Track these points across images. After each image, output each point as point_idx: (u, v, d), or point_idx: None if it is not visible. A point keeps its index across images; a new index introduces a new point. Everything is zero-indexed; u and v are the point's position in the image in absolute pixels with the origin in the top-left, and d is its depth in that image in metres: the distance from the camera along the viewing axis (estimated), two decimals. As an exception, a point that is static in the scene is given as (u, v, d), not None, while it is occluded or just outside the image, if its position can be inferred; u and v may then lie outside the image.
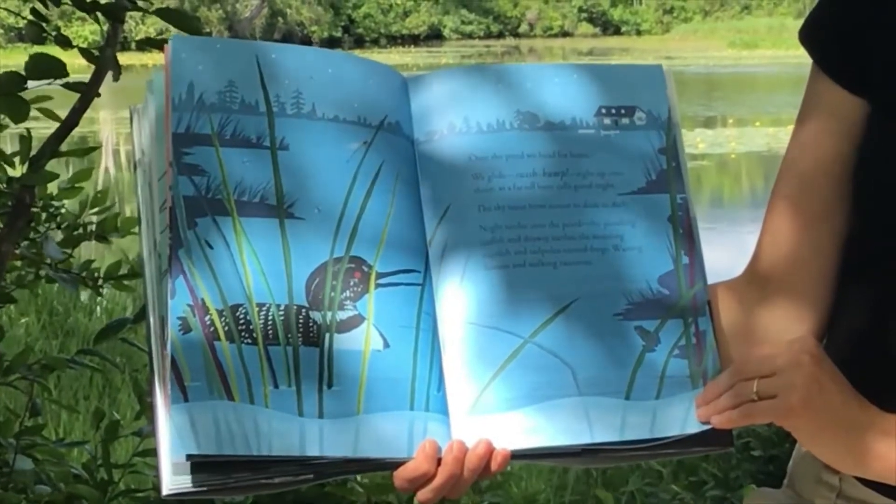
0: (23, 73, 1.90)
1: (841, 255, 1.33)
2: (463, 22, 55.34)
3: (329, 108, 1.24)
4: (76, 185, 2.42)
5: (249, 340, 1.16)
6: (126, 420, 2.72)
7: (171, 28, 1.92)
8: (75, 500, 2.35)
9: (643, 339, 1.25)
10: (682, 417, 1.24)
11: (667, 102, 1.33)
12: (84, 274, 2.44)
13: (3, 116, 2.00)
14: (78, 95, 1.98)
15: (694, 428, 1.24)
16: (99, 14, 1.96)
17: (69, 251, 2.44)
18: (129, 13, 1.99)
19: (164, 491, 1.13)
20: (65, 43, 1.98)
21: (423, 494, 1.18)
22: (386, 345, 1.20)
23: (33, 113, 1.95)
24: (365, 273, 1.21)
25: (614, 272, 1.26)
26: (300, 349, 1.17)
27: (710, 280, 1.30)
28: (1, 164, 2.13)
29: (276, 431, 1.14)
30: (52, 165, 2.06)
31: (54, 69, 1.89)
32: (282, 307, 1.18)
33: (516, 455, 1.21)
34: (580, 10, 58.46)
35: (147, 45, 1.91)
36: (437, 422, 1.20)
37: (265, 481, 1.15)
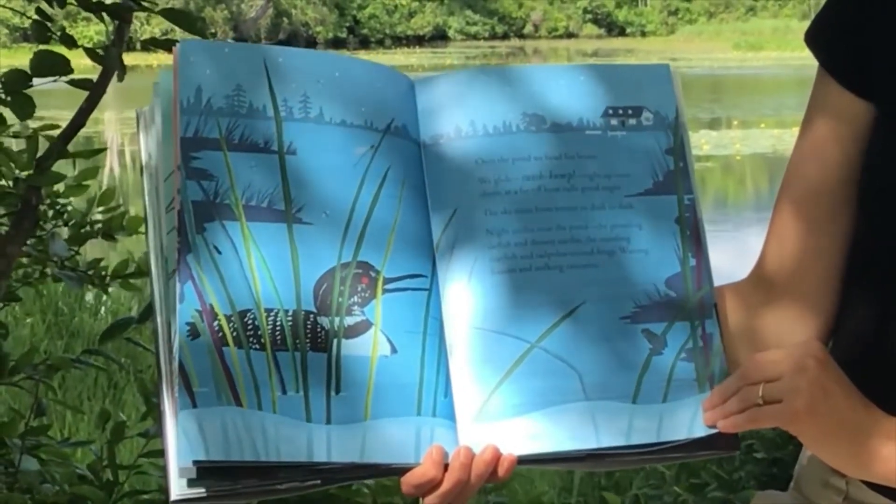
0: (28, 71, 1.90)
1: (846, 259, 1.33)
2: (468, 23, 55.36)
3: (336, 112, 1.24)
4: (83, 182, 2.41)
5: (257, 346, 1.16)
6: (132, 421, 2.72)
7: (176, 28, 1.92)
8: (80, 502, 2.35)
9: (650, 342, 1.25)
10: (689, 421, 1.24)
11: (674, 102, 1.32)
12: (91, 272, 2.44)
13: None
14: (84, 95, 1.98)
15: (700, 432, 1.23)
16: (104, 14, 1.96)
17: (76, 249, 2.44)
18: (134, 13, 1.99)
19: (172, 496, 1.13)
20: (70, 42, 1.98)
21: (429, 500, 1.18)
22: (393, 350, 1.20)
23: (36, 112, 1.95)
24: (372, 278, 1.21)
25: (621, 275, 1.26)
26: (308, 355, 1.17)
27: (715, 282, 1.30)
28: (7, 165, 2.13)
29: (284, 437, 1.14)
30: (58, 166, 2.06)
31: (58, 66, 1.89)
32: (290, 312, 1.18)
33: (522, 460, 1.21)
34: (585, 11, 58.48)
35: (152, 45, 1.91)
36: (444, 427, 1.20)
37: (273, 487, 1.15)
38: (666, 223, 1.29)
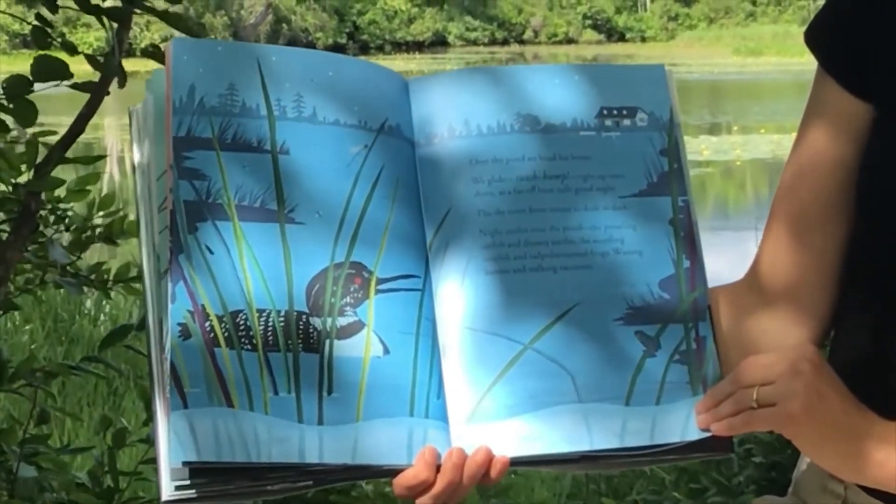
0: (29, 76, 1.90)
1: (843, 261, 1.33)
2: (467, 28, 55.35)
3: (330, 112, 1.24)
4: (83, 188, 2.42)
5: (249, 347, 1.16)
6: (132, 427, 2.72)
7: (176, 34, 1.92)
8: (79, 509, 2.35)
9: (644, 344, 1.25)
10: (682, 424, 1.24)
11: (669, 103, 1.32)
12: (93, 276, 2.44)
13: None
14: (84, 100, 1.98)
15: (694, 435, 1.23)
16: (105, 20, 1.97)
17: (77, 254, 2.44)
18: (133, 20, 1.99)
19: (163, 497, 1.13)
20: (70, 49, 1.99)
21: (422, 501, 1.18)
22: (386, 351, 1.20)
23: (38, 117, 1.95)
24: (365, 279, 1.21)
25: (615, 276, 1.26)
26: (300, 355, 1.17)
27: (712, 286, 1.30)
28: (7, 170, 2.13)
29: (276, 438, 1.14)
30: (57, 171, 2.06)
31: (59, 71, 1.89)
32: (282, 313, 1.18)
33: (515, 462, 1.20)
34: (585, 16, 58.48)
35: (151, 57, 1.91)
36: (436, 429, 1.19)
37: (264, 488, 1.15)
38: (660, 225, 1.28)
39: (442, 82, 1.30)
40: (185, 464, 1.12)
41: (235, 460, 1.13)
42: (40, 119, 1.98)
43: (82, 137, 2.05)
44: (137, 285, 2.48)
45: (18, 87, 1.90)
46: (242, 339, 1.16)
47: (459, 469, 1.18)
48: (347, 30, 52.04)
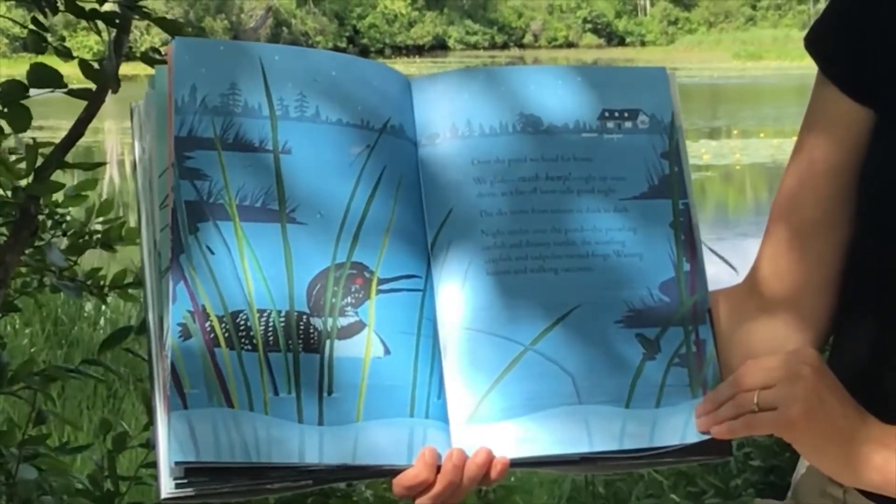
0: (25, 82, 1.90)
1: (843, 265, 1.33)
2: (468, 32, 55.40)
3: (332, 111, 1.24)
4: (82, 193, 2.42)
5: (249, 347, 1.16)
6: (132, 430, 2.71)
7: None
8: (79, 513, 2.35)
9: (644, 346, 1.25)
10: (682, 427, 1.24)
11: (670, 105, 1.32)
12: (90, 282, 2.44)
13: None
14: (82, 104, 1.98)
15: (693, 437, 1.23)
16: (101, 25, 1.96)
17: (74, 259, 2.44)
18: (133, 23, 1.99)
19: (162, 495, 1.13)
20: (66, 54, 1.98)
21: (421, 502, 1.18)
22: (387, 351, 1.19)
23: (36, 122, 1.95)
24: (366, 279, 1.21)
25: (615, 279, 1.26)
26: (300, 356, 1.17)
27: (712, 289, 1.30)
28: (6, 174, 2.13)
29: (276, 439, 1.14)
30: (57, 175, 2.06)
31: (53, 80, 1.89)
32: (282, 313, 1.17)
33: (515, 463, 1.20)
34: (585, 20, 58.53)
35: (149, 62, 1.91)
36: (436, 429, 1.19)
37: (264, 487, 1.15)
38: (660, 227, 1.28)
39: (444, 82, 1.30)
40: (184, 464, 1.12)
41: (235, 461, 1.13)
42: (40, 122, 1.98)
43: (82, 141, 2.05)
44: (134, 291, 2.48)
45: (14, 92, 1.91)
46: (243, 340, 1.16)
47: (459, 470, 1.18)
48: (347, 34, 52.08)
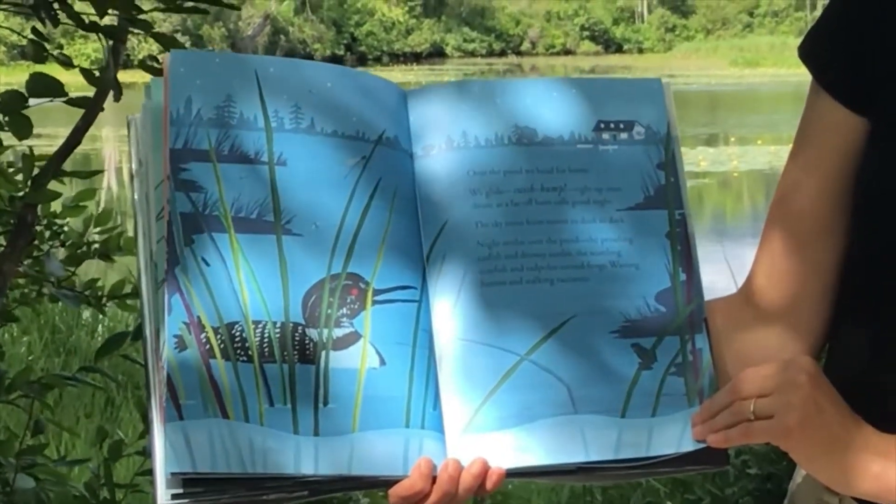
0: (24, 92, 1.91)
1: (839, 274, 1.33)
2: (465, 40, 55.46)
3: (328, 123, 1.24)
4: (80, 203, 2.42)
5: (245, 358, 1.16)
6: (129, 438, 2.71)
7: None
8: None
9: (640, 356, 1.25)
10: (678, 436, 1.24)
11: (666, 116, 1.32)
12: (88, 292, 2.44)
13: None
14: (80, 112, 1.98)
15: (689, 446, 1.23)
16: (100, 34, 1.97)
17: (72, 269, 2.44)
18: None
19: None
20: (66, 63, 1.99)
21: (416, 512, 1.19)
22: (382, 362, 1.20)
23: (33, 130, 1.95)
24: (362, 290, 1.21)
25: (611, 289, 1.26)
26: (296, 367, 1.17)
27: (709, 297, 1.30)
28: (4, 183, 2.13)
29: (271, 449, 1.14)
30: (54, 184, 2.06)
31: (52, 89, 1.90)
32: (278, 325, 1.18)
33: (511, 473, 1.20)
34: (582, 28, 58.61)
35: (148, 70, 1.91)
36: (432, 440, 1.19)
37: (259, 498, 1.15)
38: (656, 238, 1.29)
39: (440, 94, 1.30)
40: (180, 474, 1.12)
41: (231, 471, 1.13)
42: (38, 130, 1.98)
43: (80, 148, 2.05)
44: (131, 301, 2.48)
45: (13, 101, 1.91)
46: (238, 351, 1.16)
47: (455, 480, 1.18)
48: (345, 41, 52.12)
